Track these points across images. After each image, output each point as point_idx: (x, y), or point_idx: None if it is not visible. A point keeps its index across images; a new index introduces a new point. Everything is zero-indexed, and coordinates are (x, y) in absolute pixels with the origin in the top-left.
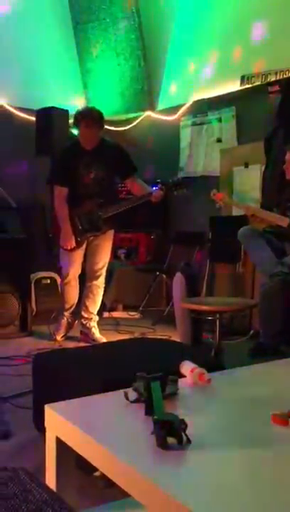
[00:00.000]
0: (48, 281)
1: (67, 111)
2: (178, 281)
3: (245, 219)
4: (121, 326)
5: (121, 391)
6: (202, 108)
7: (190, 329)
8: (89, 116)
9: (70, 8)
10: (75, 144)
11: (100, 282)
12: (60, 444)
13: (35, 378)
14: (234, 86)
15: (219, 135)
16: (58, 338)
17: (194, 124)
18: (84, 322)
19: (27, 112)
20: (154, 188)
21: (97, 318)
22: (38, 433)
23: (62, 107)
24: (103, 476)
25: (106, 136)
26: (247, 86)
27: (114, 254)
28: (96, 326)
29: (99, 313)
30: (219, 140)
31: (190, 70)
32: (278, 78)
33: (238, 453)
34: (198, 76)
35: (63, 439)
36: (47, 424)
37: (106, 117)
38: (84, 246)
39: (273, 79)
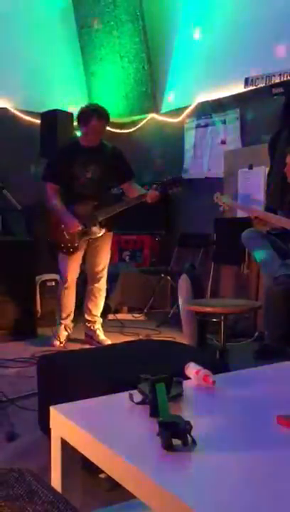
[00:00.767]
0: (53, 283)
1: (71, 114)
2: (184, 282)
3: (249, 221)
4: (126, 327)
5: (126, 393)
6: (206, 110)
7: (196, 331)
8: (101, 110)
9: (75, 12)
10: (73, 142)
11: (102, 285)
12: (65, 445)
13: (40, 380)
14: (238, 88)
15: (224, 137)
16: (57, 344)
17: (198, 126)
18: (89, 325)
19: (31, 114)
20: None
21: (100, 320)
22: (43, 434)
23: (66, 110)
24: (108, 478)
25: (111, 138)
26: (251, 88)
27: (119, 256)
28: (100, 328)
29: (104, 315)
30: (223, 142)
31: (194, 72)
32: (282, 80)
33: (243, 455)
34: (202, 78)
35: (68, 440)
36: (52, 425)
37: (111, 120)
38: (82, 249)
39: (277, 80)
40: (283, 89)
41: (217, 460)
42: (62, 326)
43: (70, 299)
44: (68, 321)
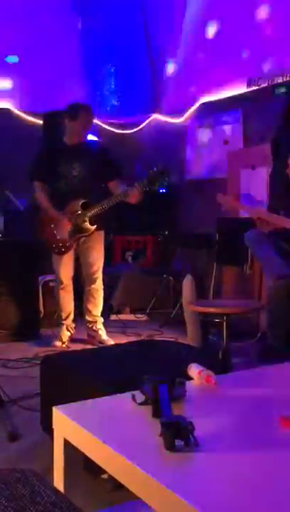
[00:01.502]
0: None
1: None
2: (187, 283)
3: (252, 221)
4: (128, 328)
5: (129, 393)
6: (209, 110)
7: (199, 331)
8: (88, 105)
9: (78, 12)
10: (56, 141)
11: (98, 285)
12: (68, 445)
13: (43, 380)
14: (240, 88)
15: (226, 137)
16: (60, 344)
17: (200, 126)
18: (90, 325)
19: (34, 115)
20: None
21: (102, 319)
22: (46, 435)
23: None
24: (111, 478)
25: (113, 139)
26: (254, 88)
27: (122, 257)
28: (102, 328)
29: (106, 315)
30: (225, 142)
31: (197, 72)
32: (284, 80)
33: (245, 455)
34: (205, 78)
35: (71, 440)
36: (55, 426)
37: (113, 120)
38: (73, 249)
39: (279, 80)
40: (286, 90)
41: (219, 460)
42: (64, 326)
43: (67, 300)
44: (69, 321)
